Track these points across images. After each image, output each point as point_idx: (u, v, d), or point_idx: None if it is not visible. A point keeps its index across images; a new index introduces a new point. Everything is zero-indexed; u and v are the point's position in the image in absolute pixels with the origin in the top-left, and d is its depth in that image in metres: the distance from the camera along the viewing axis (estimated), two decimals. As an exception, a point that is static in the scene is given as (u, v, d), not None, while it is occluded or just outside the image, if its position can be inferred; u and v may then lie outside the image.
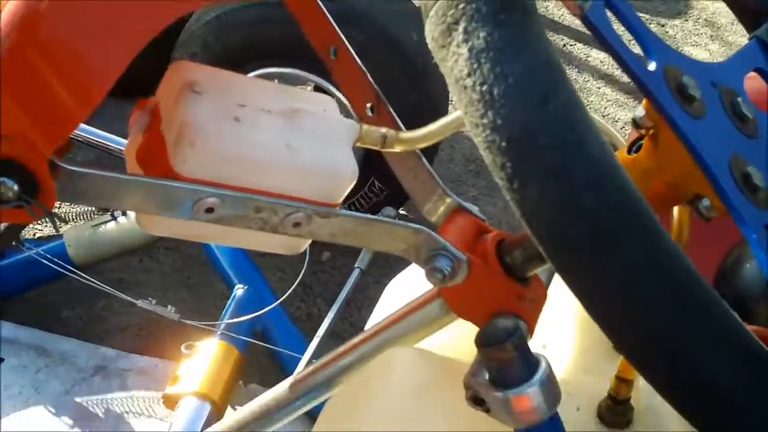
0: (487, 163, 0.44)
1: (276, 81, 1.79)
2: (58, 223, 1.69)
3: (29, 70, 0.52)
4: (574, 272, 0.44)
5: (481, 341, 0.63)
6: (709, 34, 3.47)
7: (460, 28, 0.43)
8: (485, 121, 0.42)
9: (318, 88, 1.79)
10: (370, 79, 0.82)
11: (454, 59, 0.43)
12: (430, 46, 0.46)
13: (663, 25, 3.44)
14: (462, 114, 0.44)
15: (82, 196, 0.58)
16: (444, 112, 1.94)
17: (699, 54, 3.26)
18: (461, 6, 0.43)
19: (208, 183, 0.61)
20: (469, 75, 0.42)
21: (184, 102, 0.62)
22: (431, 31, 0.45)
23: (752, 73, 0.68)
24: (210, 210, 0.60)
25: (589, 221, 0.41)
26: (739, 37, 3.47)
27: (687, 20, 3.54)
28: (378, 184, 1.99)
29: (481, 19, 0.42)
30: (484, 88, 0.42)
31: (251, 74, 1.81)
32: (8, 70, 0.51)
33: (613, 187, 0.41)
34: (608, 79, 3.05)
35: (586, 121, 0.42)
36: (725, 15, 3.60)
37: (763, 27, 0.71)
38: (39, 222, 2.15)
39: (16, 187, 0.54)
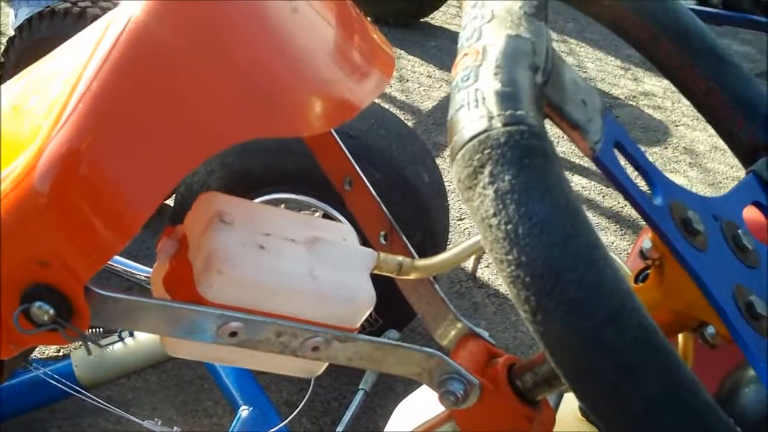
0: (512, 296, 0.46)
1: (282, 206, 1.84)
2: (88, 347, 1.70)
3: (70, 204, 0.55)
4: (595, 402, 0.46)
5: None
6: (688, 161, 3.55)
7: (486, 171, 0.46)
8: (510, 257, 0.45)
9: (326, 215, 1.84)
10: (384, 208, 0.85)
11: (481, 200, 0.46)
12: (456, 186, 0.49)
13: (643, 153, 3.52)
14: (487, 251, 0.47)
15: (113, 319, 0.61)
16: (442, 251, 1.98)
17: (678, 180, 3.32)
18: (487, 151, 0.46)
19: (232, 308, 0.64)
20: (495, 215, 0.45)
21: (212, 231, 0.65)
22: (458, 173, 0.48)
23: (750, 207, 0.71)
24: (233, 334, 0.63)
25: (610, 356, 0.43)
26: (717, 164, 3.55)
27: (666, 147, 3.63)
28: (373, 314, 2.02)
29: (506, 163, 0.46)
30: (509, 227, 0.45)
31: (262, 198, 1.85)
32: (51, 203, 0.54)
33: (632, 323, 0.43)
34: (610, 212, 3.11)
35: (605, 259, 0.44)
36: (703, 143, 3.69)
37: (759, 162, 0.74)
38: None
39: (51, 311, 0.57)
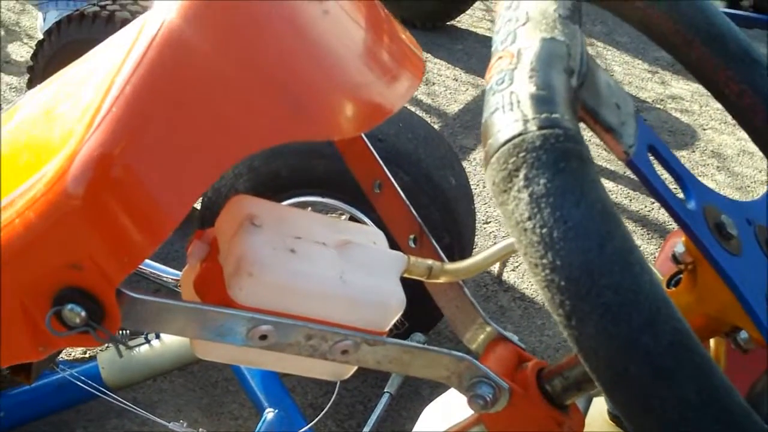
0: (545, 300, 0.46)
1: (309, 209, 1.84)
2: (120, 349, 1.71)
3: (104, 207, 0.55)
4: (630, 407, 0.45)
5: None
6: (716, 165, 3.53)
7: (521, 174, 0.46)
8: (545, 261, 0.45)
9: (353, 219, 1.84)
10: (413, 211, 0.85)
11: (515, 203, 0.46)
12: (490, 189, 0.48)
13: (676, 157, 3.51)
14: (521, 255, 0.46)
15: (143, 322, 0.61)
16: (469, 255, 1.98)
17: (706, 184, 3.32)
18: (522, 155, 0.46)
19: (263, 311, 0.64)
20: (529, 218, 0.45)
21: (243, 234, 0.65)
22: (492, 176, 0.48)
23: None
24: (264, 337, 0.63)
25: (646, 360, 0.43)
26: (745, 168, 3.52)
27: (694, 151, 3.61)
28: (400, 317, 2.02)
29: (541, 167, 0.45)
30: (544, 231, 0.45)
31: (289, 201, 1.86)
32: (84, 206, 0.55)
33: (668, 328, 0.43)
34: (637, 216, 3.10)
35: (641, 264, 0.44)
36: (731, 146, 3.66)
37: (791, 165, 0.73)
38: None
39: (83, 314, 0.57)
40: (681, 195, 0.60)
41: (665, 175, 0.60)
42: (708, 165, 3.52)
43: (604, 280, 0.43)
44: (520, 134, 0.47)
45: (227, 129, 0.58)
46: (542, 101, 0.47)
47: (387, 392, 1.63)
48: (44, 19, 2.74)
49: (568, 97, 0.49)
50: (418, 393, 2.11)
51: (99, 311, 0.57)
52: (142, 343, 1.73)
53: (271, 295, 0.65)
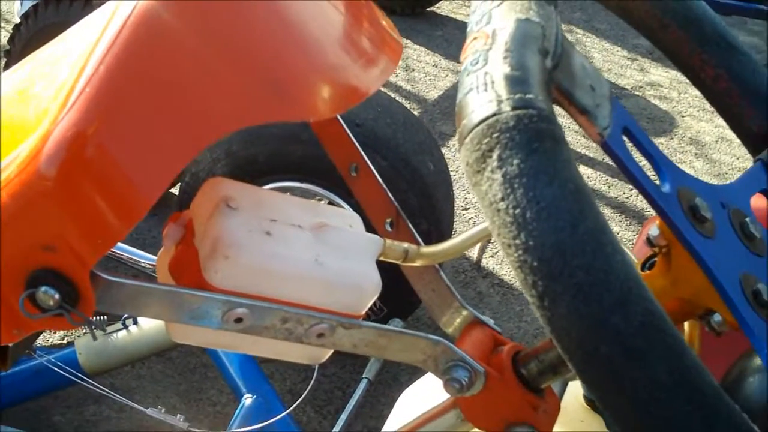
0: (519, 281, 0.46)
1: (288, 194, 1.84)
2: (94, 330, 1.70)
3: (77, 188, 0.55)
4: (602, 388, 0.45)
5: (497, 451, 0.64)
6: (694, 152, 3.55)
7: (495, 155, 0.46)
8: (518, 242, 0.44)
9: (331, 204, 1.84)
10: (390, 195, 0.85)
11: (489, 184, 0.46)
12: (464, 170, 0.48)
13: (651, 140, 3.53)
14: (494, 235, 0.46)
15: (118, 304, 0.61)
16: (447, 240, 1.99)
17: (684, 170, 3.34)
18: (495, 135, 0.46)
19: (238, 294, 0.64)
20: (502, 199, 0.45)
21: (219, 216, 0.65)
22: (467, 157, 0.48)
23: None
24: (239, 320, 0.62)
25: (617, 341, 0.43)
26: (723, 155, 3.54)
27: (672, 138, 3.63)
28: (378, 302, 2.02)
29: (514, 147, 0.45)
30: (517, 211, 0.45)
31: (267, 186, 1.85)
32: (57, 187, 0.54)
33: (639, 308, 0.43)
34: (616, 202, 3.11)
35: (613, 244, 0.44)
36: (709, 133, 3.68)
37: (766, 151, 0.74)
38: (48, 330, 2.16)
39: (57, 296, 0.56)
40: (657, 179, 0.60)
41: (643, 161, 0.60)
42: (686, 152, 3.54)
43: (576, 260, 0.43)
44: (494, 114, 0.46)
45: (202, 109, 0.58)
46: (516, 82, 0.47)
47: (365, 378, 1.63)
48: (21, 3, 2.71)
49: (543, 78, 0.49)
50: (397, 379, 2.11)
51: (73, 294, 0.57)
52: (120, 329, 1.72)
53: (247, 278, 0.65)
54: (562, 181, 0.45)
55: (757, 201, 0.71)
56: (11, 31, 2.41)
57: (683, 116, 3.81)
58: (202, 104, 0.58)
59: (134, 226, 0.56)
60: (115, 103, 0.55)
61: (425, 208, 1.86)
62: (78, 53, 0.59)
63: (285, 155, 1.83)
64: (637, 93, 3.97)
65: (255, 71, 0.60)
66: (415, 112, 3.40)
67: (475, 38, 0.51)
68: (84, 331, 1.80)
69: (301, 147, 1.80)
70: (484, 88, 0.48)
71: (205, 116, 0.58)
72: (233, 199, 0.66)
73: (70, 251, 0.56)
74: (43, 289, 0.56)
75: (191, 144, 0.57)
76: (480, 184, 0.47)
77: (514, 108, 0.46)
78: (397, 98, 2.90)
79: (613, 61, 4.25)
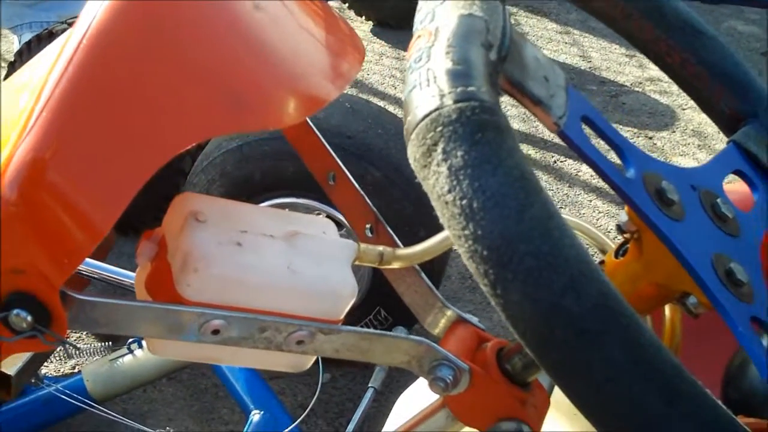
0: (471, 272, 0.46)
1: (287, 210, 1.84)
2: (72, 352, 1.70)
3: (38, 211, 0.55)
4: (559, 371, 0.45)
5: (485, 446, 0.64)
6: (697, 144, 3.53)
7: (439, 148, 0.46)
8: (467, 232, 0.45)
9: (329, 217, 1.85)
10: (368, 201, 0.85)
11: (435, 177, 0.46)
12: (413, 166, 0.49)
13: (651, 138, 3.51)
14: (446, 228, 0.47)
15: (93, 323, 0.61)
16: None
17: (687, 163, 3.32)
18: (439, 129, 0.46)
19: (214, 306, 0.64)
20: (449, 191, 0.45)
21: (188, 230, 0.66)
22: (413, 152, 0.48)
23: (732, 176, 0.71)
24: (216, 332, 0.63)
25: (570, 323, 0.43)
26: (725, 144, 3.53)
27: (674, 131, 3.62)
28: (383, 312, 2.03)
29: (458, 140, 0.46)
30: (464, 202, 0.45)
31: (266, 203, 1.86)
32: (19, 211, 0.55)
33: (591, 290, 0.43)
34: (599, 192, 3.11)
35: (560, 229, 0.44)
36: (711, 125, 3.66)
37: (739, 132, 0.74)
38: (59, 359, 2.17)
39: (29, 318, 0.57)
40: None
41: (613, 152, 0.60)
42: (689, 144, 3.53)
43: (523, 246, 0.43)
44: (436, 109, 0.47)
45: (161, 124, 0.58)
46: (458, 75, 0.48)
47: (371, 387, 1.63)
48: (19, 42, 2.73)
49: (486, 71, 0.49)
50: (406, 387, 2.10)
51: (45, 315, 0.57)
52: (125, 354, 1.72)
53: (220, 290, 0.65)
54: (507, 169, 0.45)
55: (735, 185, 0.71)
56: (6, 69, 2.43)
57: (684, 109, 3.80)
58: (160, 119, 0.58)
59: (98, 243, 0.57)
60: (70, 125, 0.56)
61: (421, 216, 1.86)
62: (36, 78, 0.59)
63: (280, 171, 1.83)
64: (637, 89, 3.96)
65: (214, 84, 0.60)
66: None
67: (419, 36, 0.52)
68: (94, 357, 1.81)
69: (294, 163, 1.80)
70: (426, 83, 0.48)
71: (164, 131, 0.58)
72: (201, 212, 0.67)
73: (38, 273, 0.56)
74: (15, 311, 0.56)
75: (152, 159, 0.58)
76: (428, 178, 0.47)
77: (456, 101, 0.47)
78: (388, 108, 2.91)
79: (611, 59, 4.25)
